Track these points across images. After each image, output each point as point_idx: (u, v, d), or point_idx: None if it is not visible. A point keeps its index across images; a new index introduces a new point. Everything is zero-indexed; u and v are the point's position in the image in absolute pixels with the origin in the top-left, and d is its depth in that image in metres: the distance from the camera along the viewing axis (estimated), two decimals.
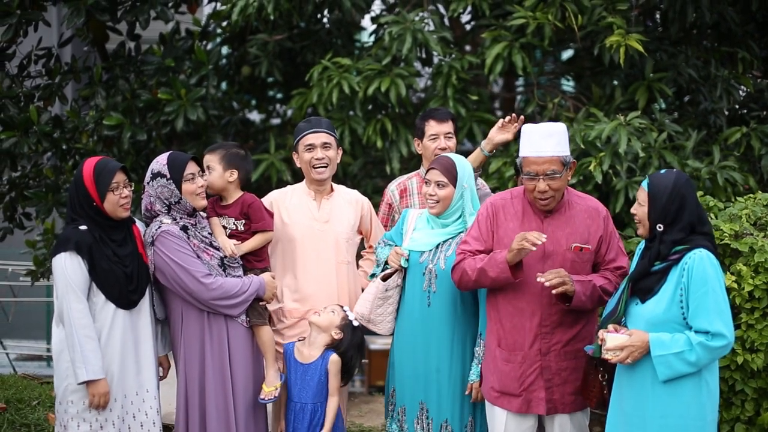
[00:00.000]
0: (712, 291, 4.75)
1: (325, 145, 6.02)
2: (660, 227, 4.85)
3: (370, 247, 6.25)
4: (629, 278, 4.96)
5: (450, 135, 6.37)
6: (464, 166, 5.66)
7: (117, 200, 5.35)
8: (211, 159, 5.82)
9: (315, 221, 6.00)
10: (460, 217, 5.63)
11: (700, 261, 4.77)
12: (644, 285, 4.90)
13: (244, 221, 5.80)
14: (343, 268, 6.02)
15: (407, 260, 5.66)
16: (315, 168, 5.99)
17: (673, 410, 4.79)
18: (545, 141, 5.23)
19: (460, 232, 5.61)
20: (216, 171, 5.79)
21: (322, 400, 5.74)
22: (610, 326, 4.92)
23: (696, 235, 4.87)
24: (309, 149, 5.99)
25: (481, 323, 5.54)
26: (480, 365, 5.49)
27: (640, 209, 4.94)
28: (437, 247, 5.62)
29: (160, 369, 5.74)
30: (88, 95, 9.14)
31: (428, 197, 5.61)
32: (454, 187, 5.56)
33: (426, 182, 5.63)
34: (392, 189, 6.48)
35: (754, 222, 6.10)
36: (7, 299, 11.06)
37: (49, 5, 9.22)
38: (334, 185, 6.17)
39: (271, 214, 5.90)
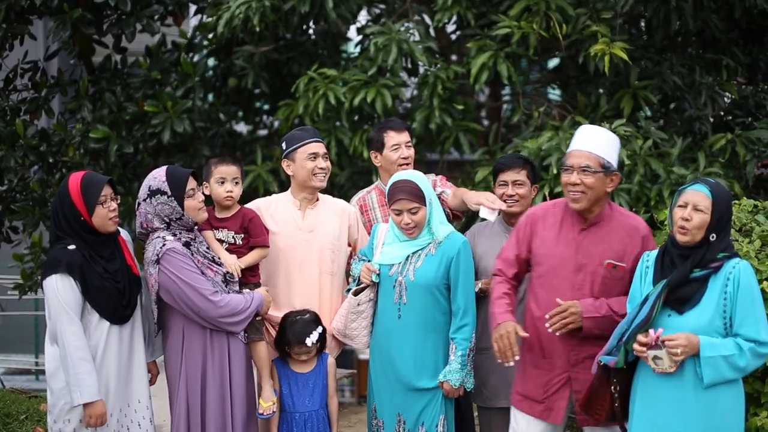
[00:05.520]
0: (758, 300, 4.76)
1: (325, 155, 6.07)
2: (713, 236, 4.78)
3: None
4: (666, 285, 4.81)
5: (409, 144, 6.38)
6: (424, 181, 5.64)
7: (106, 214, 5.31)
8: (235, 171, 5.81)
9: (299, 230, 5.99)
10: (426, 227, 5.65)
11: (745, 270, 4.75)
12: (682, 294, 4.80)
13: (243, 235, 5.79)
14: (326, 279, 6.01)
15: (378, 275, 5.68)
16: (317, 176, 6.00)
17: (716, 419, 4.76)
18: (589, 139, 5.28)
19: (428, 243, 5.62)
20: (240, 184, 5.82)
21: (326, 404, 5.85)
22: (642, 339, 4.77)
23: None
24: (313, 158, 5.98)
25: (453, 327, 5.55)
26: (454, 367, 5.49)
27: (699, 216, 4.77)
28: (407, 259, 5.63)
29: (149, 374, 5.72)
30: (74, 108, 9.14)
31: (404, 226, 5.59)
32: (425, 206, 5.57)
33: (397, 212, 5.58)
34: (353, 204, 6.44)
35: (740, 228, 6.13)
36: None
37: (34, 19, 9.23)
38: (320, 195, 6.17)
39: (267, 231, 5.88)
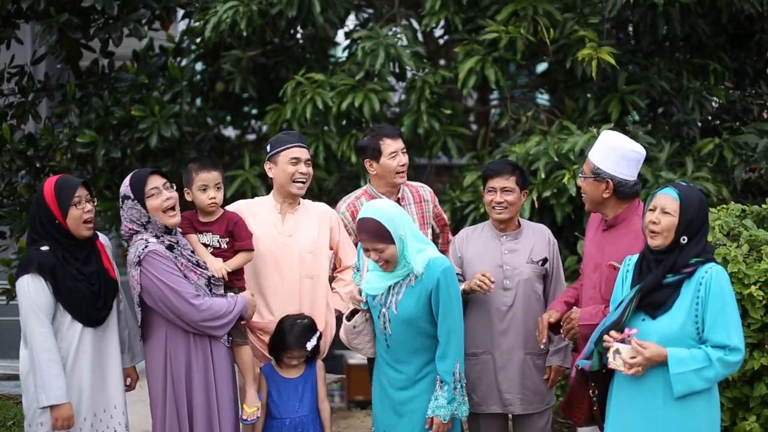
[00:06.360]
0: (729, 305, 4.74)
1: (308, 162, 6.02)
2: (684, 239, 4.77)
3: (340, 263, 6.22)
4: (638, 290, 4.82)
5: (404, 150, 6.37)
6: (391, 217, 5.28)
7: (80, 215, 5.28)
8: (217, 177, 5.74)
9: (279, 235, 5.96)
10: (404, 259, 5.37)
11: (717, 275, 4.74)
12: (655, 299, 4.80)
13: (228, 239, 5.75)
14: (306, 283, 5.97)
15: (366, 303, 5.53)
16: (296, 182, 5.97)
17: (687, 426, 4.75)
18: (595, 146, 5.50)
19: (408, 273, 5.36)
20: (221, 188, 5.76)
21: (317, 408, 5.85)
22: (614, 334, 4.79)
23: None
24: (294, 162, 5.95)
25: (439, 361, 5.34)
26: (441, 403, 5.33)
27: (667, 219, 4.78)
28: (389, 289, 5.41)
29: (128, 380, 5.69)
30: (61, 113, 9.09)
31: (375, 262, 5.37)
32: (394, 242, 5.27)
33: (365, 249, 5.36)
34: (342, 210, 6.39)
35: (727, 233, 6.14)
36: None
37: (21, 23, 9.19)
38: (302, 199, 6.13)
39: (251, 234, 5.84)
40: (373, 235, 5.25)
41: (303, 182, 5.99)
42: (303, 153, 6.00)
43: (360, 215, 5.36)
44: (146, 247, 5.39)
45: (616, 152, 5.39)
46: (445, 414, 5.32)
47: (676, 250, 4.80)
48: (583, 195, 5.56)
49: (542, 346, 5.66)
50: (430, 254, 5.37)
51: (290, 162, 5.95)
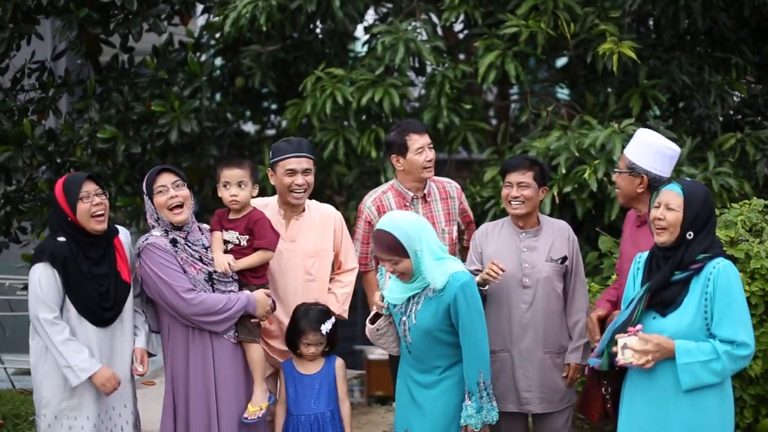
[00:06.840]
0: (737, 301, 4.72)
1: (306, 171, 5.95)
2: (690, 234, 4.76)
3: (340, 265, 6.20)
4: (647, 289, 4.81)
5: (431, 145, 6.33)
6: (406, 231, 5.24)
7: (88, 209, 5.28)
8: (240, 174, 5.69)
9: (282, 240, 5.89)
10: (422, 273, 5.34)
11: (725, 270, 4.72)
12: (664, 297, 4.79)
13: (247, 237, 5.72)
14: (309, 285, 5.98)
15: (387, 309, 5.53)
16: (293, 193, 5.93)
17: (698, 422, 4.72)
18: (631, 143, 5.64)
19: (427, 285, 5.32)
20: (248, 186, 5.72)
21: (335, 406, 5.82)
22: (619, 335, 4.79)
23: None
24: (290, 174, 5.90)
25: (465, 372, 5.33)
26: (470, 412, 5.31)
27: (671, 214, 4.77)
28: (409, 300, 5.41)
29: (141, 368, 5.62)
30: (81, 108, 9.14)
31: (391, 273, 5.38)
32: (409, 257, 5.25)
33: (380, 259, 5.40)
34: (368, 205, 6.36)
35: (750, 228, 6.10)
36: (5, 313, 11.02)
37: (42, 19, 9.23)
38: (307, 202, 6.09)
39: (277, 234, 5.80)
40: (386, 247, 5.25)
41: (300, 193, 5.95)
42: (300, 163, 5.92)
43: (377, 226, 5.36)
44: (146, 239, 5.49)
45: (651, 148, 5.51)
46: (476, 423, 5.32)
47: (683, 246, 4.79)
48: (617, 190, 5.66)
49: (596, 344, 5.58)
50: (451, 268, 5.32)
51: (286, 173, 5.91)
